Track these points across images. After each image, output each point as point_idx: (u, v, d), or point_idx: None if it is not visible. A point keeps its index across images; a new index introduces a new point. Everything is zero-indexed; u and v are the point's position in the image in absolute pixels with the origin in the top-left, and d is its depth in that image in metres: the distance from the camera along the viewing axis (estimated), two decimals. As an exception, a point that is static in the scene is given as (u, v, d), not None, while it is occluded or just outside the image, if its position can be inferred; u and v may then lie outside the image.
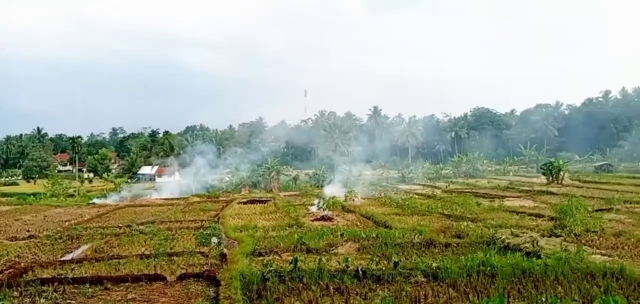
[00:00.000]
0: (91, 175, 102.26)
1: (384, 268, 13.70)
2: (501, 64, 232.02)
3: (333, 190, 45.26)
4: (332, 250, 17.93)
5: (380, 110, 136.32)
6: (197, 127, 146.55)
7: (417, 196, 42.19)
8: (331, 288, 12.48)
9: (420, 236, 19.71)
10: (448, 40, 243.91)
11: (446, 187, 50.51)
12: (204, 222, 27.74)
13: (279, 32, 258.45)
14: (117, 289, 12.97)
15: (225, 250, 17.82)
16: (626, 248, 17.19)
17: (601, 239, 18.86)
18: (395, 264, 13.72)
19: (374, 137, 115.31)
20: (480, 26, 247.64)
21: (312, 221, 27.44)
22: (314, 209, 32.91)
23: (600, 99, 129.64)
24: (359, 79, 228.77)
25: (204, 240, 20.31)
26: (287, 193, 51.09)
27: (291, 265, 13.72)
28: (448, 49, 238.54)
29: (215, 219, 29.47)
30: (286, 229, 23.61)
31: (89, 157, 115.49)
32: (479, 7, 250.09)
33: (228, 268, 14.61)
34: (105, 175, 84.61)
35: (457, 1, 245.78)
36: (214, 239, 19.99)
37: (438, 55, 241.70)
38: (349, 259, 14.59)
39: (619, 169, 70.38)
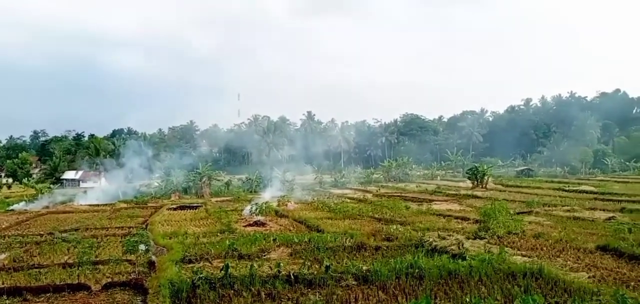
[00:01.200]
0: (10, 180, 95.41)
1: (315, 272, 13.68)
2: (430, 72, 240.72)
3: (266, 195, 44.92)
4: (264, 255, 17.70)
5: (314, 115, 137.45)
6: (125, 130, 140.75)
7: (349, 200, 42.72)
8: (263, 293, 12.31)
9: (351, 240, 19.89)
10: (378, 47, 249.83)
11: (377, 191, 51.52)
12: (131, 229, 26.67)
13: (210, 34, 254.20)
14: (38, 300, 12.27)
15: (153, 257, 17.12)
16: (544, 248, 18.19)
17: (522, 240, 19.85)
18: (327, 268, 13.73)
19: (308, 141, 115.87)
20: (408, 34, 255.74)
21: (245, 226, 27.03)
22: (246, 214, 32.43)
23: (521, 107, 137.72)
24: (292, 84, 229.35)
25: (131, 247, 19.37)
26: (219, 199, 50.12)
27: (222, 272, 13.38)
28: (378, 56, 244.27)
29: (144, 226, 28.38)
30: (217, 235, 23.10)
31: (8, 161, 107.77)
32: (407, 16, 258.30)
33: (156, 276, 14.09)
34: (25, 180, 79.24)
35: (385, 9, 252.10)
36: (142, 247, 19.13)
37: (369, 61, 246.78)
38: (281, 264, 14.43)
39: (539, 174, 74.82)
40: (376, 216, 29.87)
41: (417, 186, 57.20)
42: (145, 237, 22.36)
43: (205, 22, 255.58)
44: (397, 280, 13.17)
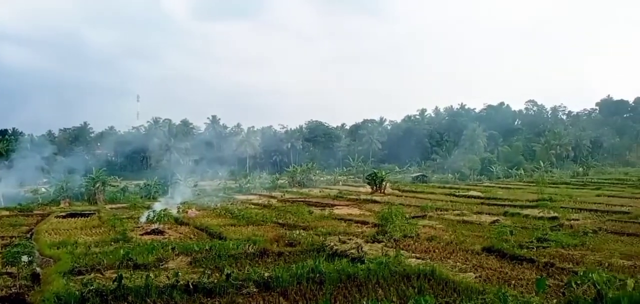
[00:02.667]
0: None
1: (216, 281, 13.38)
2: (333, 81, 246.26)
3: (166, 202, 43.18)
4: (162, 265, 16.98)
5: (219, 119, 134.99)
6: (9, 131, 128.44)
7: (253, 206, 42.36)
8: (159, 305, 11.80)
9: (254, 246, 19.72)
10: (283, 54, 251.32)
11: (281, 196, 51.63)
12: (13, 238, 24.35)
13: (107, 32, 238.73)
14: None
15: (38, 269, 15.74)
16: (437, 250, 19.27)
17: (416, 243, 20.90)
18: (228, 276, 13.48)
19: (213, 146, 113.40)
20: (312, 43, 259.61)
21: (142, 235, 25.77)
22: (143, 222, 30.93)
23: (417, 117, 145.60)
24: (195, 87, 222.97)
25: (12, 259, 17.61)
26: (114, 206, 47.32)
27: (115, 283, 12.64)
28: (283, 63, 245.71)
29: (28, 236, 26.06)
30: (111, 245, 21.78)
31: None
32: (310, 25, 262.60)
33: (41, 290, 13.03)
34: None
35: (289, 17, 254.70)
36: (25, 258, 17.47)
37: (274, 68, 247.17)
38: (180, 273, 13.95)
39: (432, 180, 79.19)
40: (280, 221, 29.90)
41: (320, 191, 58.10)
42: (29, 247, 20.45)
43: (101, 20, 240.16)
44: (298, 286, 13.27)
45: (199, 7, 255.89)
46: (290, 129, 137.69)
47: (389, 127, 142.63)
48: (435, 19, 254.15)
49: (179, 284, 12.99)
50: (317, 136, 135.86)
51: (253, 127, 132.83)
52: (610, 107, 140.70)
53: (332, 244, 19.73)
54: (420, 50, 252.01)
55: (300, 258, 17.27)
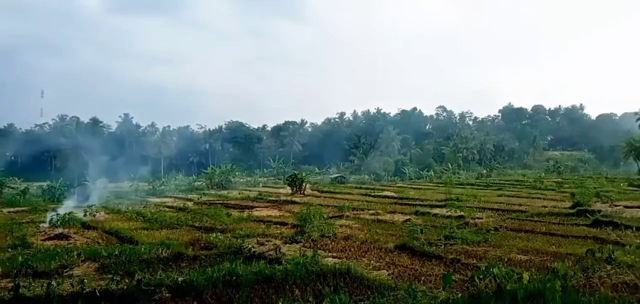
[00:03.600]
0: None
1: (125, 287, 12.76)
2: (254, 81, 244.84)
3: (72, 204, 40.63)
4: (66, 272, 15.94)
5: (132, 118, 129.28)
6: None
7: (168, 209, 40.96)
8: (61, 315, 11.05)
9: (168, 250, 19.04)
10: (201, 53, 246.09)
11: (198, 199, 50.36)
12: None
13: (6, 22, 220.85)
14: None
15: None
16: (352, 249, 19.70)
17: (333, 243, 21.22)
18: (139, 281, 12.91)
19: (125, 146, 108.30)
20: (232, 43, 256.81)
21: (44, 240, 24.02)
22: (45, 226, 28.87)
23: (337, 120, 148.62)
24: (107, 84, 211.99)
25: None
26: (13, 209, 43.71)
27: (11, 293, 11.68)
28: (201, 61, 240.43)
29: None
30: (8, 251, 20.12)
31: None
32: (230, 25, 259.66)
33: None
34: None
35: (208, 15, 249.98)
36: None
37: (192, 66, 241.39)
38: (86, 280, 13.15)
39: (350, 181, 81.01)
40: (196, 224, 29.12)
41: (239, 193, 57.38)
42: None
43: (2, 9, 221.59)
44: (213, 289, 12.98)
45: (113, 0, 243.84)
46: (209, 129, 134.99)
47: (309, 130, 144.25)
48: (354, 25, 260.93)
49: (84, 292, 12.24)
50: (237, 137, 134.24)
51: (169, 126, 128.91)
52: (511, 114, 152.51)
53: (250, 246, 19.52)
54: (340, 55, 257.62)
55: (217, 261, 16.92)
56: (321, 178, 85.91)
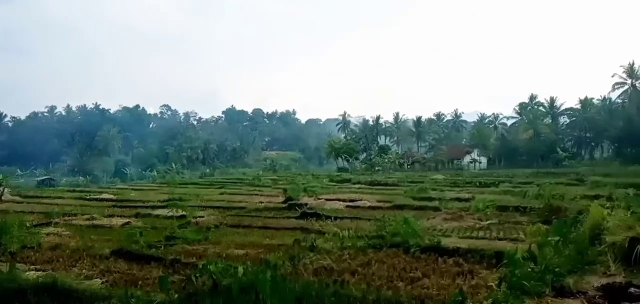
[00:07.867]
0: None
1: None
2: None
3: None
4: None
5: None
6: None
7: None
8: None
9: None
10: None
11: None
12: None
13: None
14: None
15: None
16: (61, 259, 17.85)
17: (38, 254, 18.85)
18: None
19: None
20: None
21: None
22: None
23: (46, 114, 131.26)
24: None
25: None
26: None
27: None
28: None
29: None
30: None
31: None
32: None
33: None
34: None
35: None
36: None
37: None
38: None
39: (62, 184, 72.94)
40: None
41: None
42: None
43: None
44: None
45: None
46: None
47: (10, 125, 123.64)
48: (68, 11, 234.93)
49: None
50: None
51: None
52: (234, 116, 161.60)
53: None
54: (51, 41, 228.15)
55: None
56: (24, 181, 75.12)
